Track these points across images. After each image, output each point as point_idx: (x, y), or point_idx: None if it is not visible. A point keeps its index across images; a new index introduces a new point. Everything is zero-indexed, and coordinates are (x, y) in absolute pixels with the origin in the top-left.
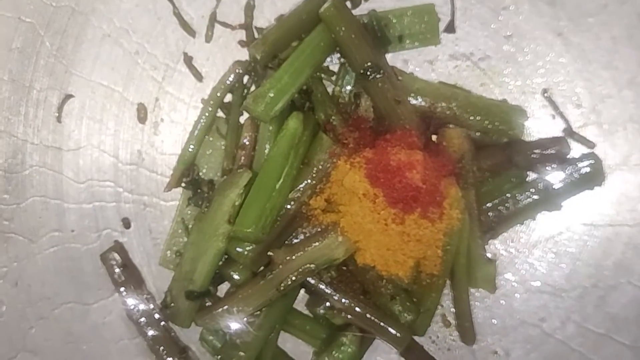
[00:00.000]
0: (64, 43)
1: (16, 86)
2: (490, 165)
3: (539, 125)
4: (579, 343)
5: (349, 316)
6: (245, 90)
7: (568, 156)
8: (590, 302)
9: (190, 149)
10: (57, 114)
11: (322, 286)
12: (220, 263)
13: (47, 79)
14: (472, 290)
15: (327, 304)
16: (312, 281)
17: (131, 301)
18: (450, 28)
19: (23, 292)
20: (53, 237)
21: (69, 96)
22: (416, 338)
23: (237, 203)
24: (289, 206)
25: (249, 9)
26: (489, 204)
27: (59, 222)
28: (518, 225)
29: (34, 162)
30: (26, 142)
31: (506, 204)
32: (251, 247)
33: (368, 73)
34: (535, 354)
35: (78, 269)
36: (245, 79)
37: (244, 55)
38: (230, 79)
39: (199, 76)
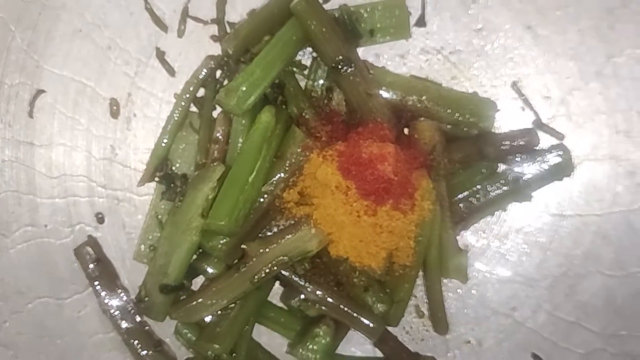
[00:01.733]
0: (35, 38)
1: None
2: (461, 157)
3: (508, 117)
4: (550, 331)
5: (323, 308)
6: (218, 85)
7: (537, 147)
8: (561, 291)
9: (163, 144)
10: (29, 109)
11: (296, 278)
12: (194, 256)
13: (18, 75)
14: (444, 280)
15: (302, 296)
16: (286, 273)
17: (105, 295)
18: (421, 22)
19: None
20: (26, 231)
21: (40, 91)
22: (390, 328)
23: (210, 197)
24: (262, 199)
25: (221, 4)
26: (460, 196)
27: (32, 217)
28: (489, 216)
29: (6, 157)
30: None
31: (477, 195)
32: (225, 240)
33: (340, 67)
34: (507, 343)
35: (52, 264)
36: (218, 73)
37: (216, 49)
38: (203, 73)
39: (171, 71)
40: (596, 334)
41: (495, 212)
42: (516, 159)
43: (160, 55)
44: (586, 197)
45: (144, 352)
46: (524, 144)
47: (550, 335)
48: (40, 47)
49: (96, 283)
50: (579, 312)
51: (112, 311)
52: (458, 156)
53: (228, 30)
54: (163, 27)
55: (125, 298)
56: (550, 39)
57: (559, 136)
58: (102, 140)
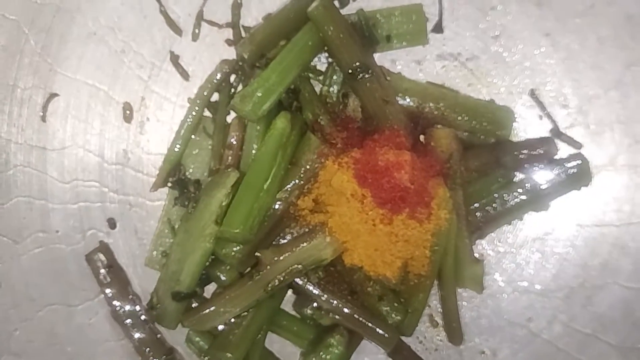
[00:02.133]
0: (48, 41)
1: (0, 85)
2: (478, 165)
3: (526, 126)
4: (565, 343)
5: (337, 317)
6: (232, 90)
7: (555, 157)
8: (577, 302)
9: (176, 149)
10: (42, 113)
11: (310, 287)
12: (207, 264)
13: (31, 78)
14: (459, 290)
15: (315, 304)
16: (300, 282)
17: (117, 302)
18: (438, 28)
19: (7, 294)
20: (37, 237)
21: (53, 95)
22: (404, 338)
23: (224, 203)
24: (276, 206)
25: (236, 7)
26: (476, 204)
27: (44, 223)
28: (505, 225)
29: (18, 162)
30: (10, 142)
31: (493, 204)
32: (238, 247)
33: (356, 73)
34: (522, 354)
35: (63, 270)
36: (232, 78)
37: (231, 54)
38: (217, 78)
39: (185, 75)
40: (613, 347)
41: (512, 222)
42: (534, 167)
43: (175, 59)
44: (604, 207)
45: None
46: (542, 153)
47: (565, 347)
48: (54, 50)
49: (107, 289)
50: (595, 324)
51: (123, 318)
52: (475, 164)
53: (243, 34)
54: (177, 30)
55: (136, 305)
56: (569, 47)
57: (577, 145)
58: (115, 144)
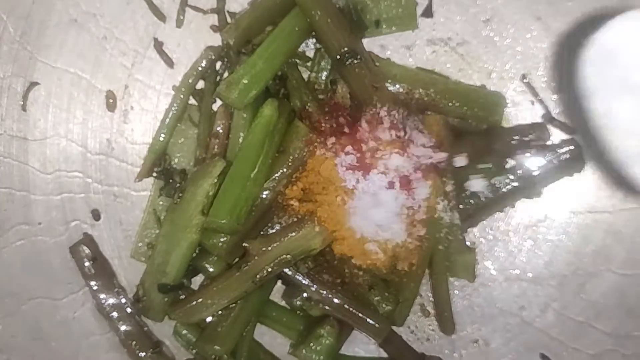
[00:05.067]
0: (28, 28)
1: None
2: (469, 152)
3: (518, 112)
4: (558, 331)
5: (327, 307)
6: (218, 77)
7: (548, 142)
8: (570, 290)
9: (161, 138)
10: (22, 102)
11: (299, 277)
12: (194, 255)
13: (10, 66)
14: (450, 279)
15: (304, 295)
16: (289, 272)
17: (102, 295)
18: (428, 12)
19: None
20: (19, 230)
21: (34, 84)
22: (395, 328)
23: (210, 193)
24: (264, 196)
25: None
26: (467, 192)
27: (26, 215)
28: (497, 212)
29: None
30: None
31: (485, 192)
32: (226, 238)
33: (344, 59)
34: (514, 343)
35: (46, 263)
36: (218, 65)
37: (216, 40)
38: (202, 65)
39: (169, 62)
40: (607, 335)
41: (504, 209)
42: (526, 154)
43: (158, 46)
44: (597, 193)
45: (142, 354)
46: (534, 139)
47: (559, 335)
48: (34, 37)
49: (92, 282)
50: (589, 312)
51: (109, 311)
52: (466, 151)
53: (229, 20)
54: (161, 16)
55: (122, 298)
56: (561, 31)
57: (570, 131)
58: (98, 134)
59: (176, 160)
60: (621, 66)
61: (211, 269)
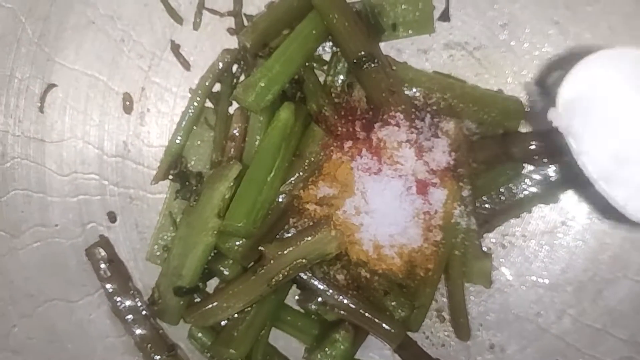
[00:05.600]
0: (46, 30)
1: None
2: (486, 157)
3: (535, 117)
4: (575, 338)
5: (342, 312)
6: (235, 80)
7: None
8: (587, 296)
9: (177, 141)
10: (40, 104)
11: (315, 281)
12: (210, 258)
13: (28, 68)
14: (466, 284)
15: (320, 299)
16: (304, 276)
17: (117, 298)
18: (445, 16)
19: (5, 289)
20: (36, 231)
21: (51, 85)
22: (410, 334)
23: (226, 196)
24: (279, 199)
25: None
26: (484, 197)
27: (42, 216)
28: (513, 218)
29: (16, 154)
30: (7, 133)
31: (502, 197)
32: (241, 241)
33: (362, 62)
34: (530, 349)
35: (62, 265)
36: (235, 68)
37: (233, 43)
38: (219, 67)
39: (186, 65)
40: (624, 342)
41: (521, 215)
42: (543, 159)
43: (175, 48)
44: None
45: (157, 357)
46: (552, 144)
47: (575, 342)
48: (52, 39)
49: (108, 285)
50: (606, 319)
51: (124, 314)
52: (483, 156)
53: (245, 23)
54: (178, 19)
55: (138, 300)
56: (579, 36)
57: None
58: (115, 136)
59: (192, 163)
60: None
61: (226, 273)
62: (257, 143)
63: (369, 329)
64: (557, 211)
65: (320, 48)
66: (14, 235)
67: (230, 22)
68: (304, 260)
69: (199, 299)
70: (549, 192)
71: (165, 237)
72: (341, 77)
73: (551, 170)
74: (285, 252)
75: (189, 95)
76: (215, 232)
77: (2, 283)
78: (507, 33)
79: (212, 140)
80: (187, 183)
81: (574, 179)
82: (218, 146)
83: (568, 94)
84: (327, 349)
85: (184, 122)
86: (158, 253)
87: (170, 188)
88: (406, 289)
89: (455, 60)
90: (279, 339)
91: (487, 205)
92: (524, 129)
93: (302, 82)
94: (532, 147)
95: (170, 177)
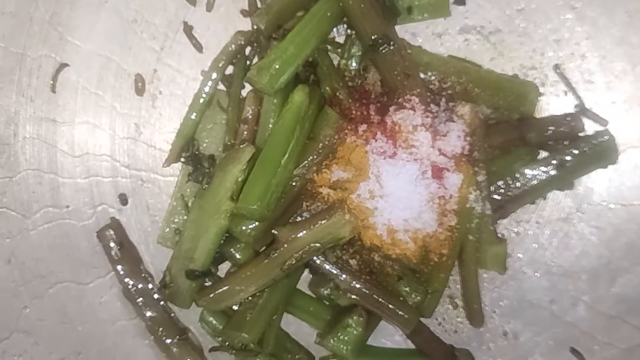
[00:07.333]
0: (59, 9)
1: (8, 53)
2: (502, 142)
3: (550, 102)
4: (589, 325)
5: (355, 297)
6: (248, 62)
7: (580, 134)
8: (601, 283)
9: (190, 123)
10: (52, 83)
11: (328, 266)
12: (222, 241)
13: (41, 46)
14: (480, 270)
15: (332, 284)
16: (317, 261)
17: (128, 280)
18: (460, 0)
19: (16, 270)
20: (47, 212)
21: (63, 65)
22: (423, 320)
23: (239, 179)
24: (293, 183)
25: None
26: (499, 182)
27: (53, 197)
28: (528, 204)
29: (27, 134)
30: (19, 113)
31: (517, 183)
32: (254, 225)
33: (377, 45)
34: (544, 336)
35: (73, 247)
36: (248, 50)
37: (246, 25)
38: (232, 49)
39: (199, 47)
40: (638, 329)
41: (535, 200)
42: (558, 145)
43: (188, 30)
44: (631, 185)
45: (169, 341)
46: (568, 130)
47: (589, 330)
48: (65, 18)
49: (119, 267)
50: (620, 306)
51: (135, 297)
52: (498, 141)
53: (259, 4)
54: (191, 0)
55: (149, 283)
56: (596, 21)
57: (603, 122)
58: (127, 118)
59: (204, 145)
60: None
61: (239, 256)
62: (270, 126)
63: (382, 314)
64: (572, 197)
65: (334, 31)
66: (25, 216)
67: (244, 3)
68: (317, 244)
69: (210, 283)
70: (564, 178)
71: (177, 220)
72: (355, 60)
73: (566, 156)
74: (299, 235)
75: (202, 78)
76: (228, 215)
77: (13, 263)
78: (522, 18)
79: (225, 123)
80: (199, 166)
81: (589, 165)
82: (231, 129)
83: None
84: (340, 334)
85: (196, 105)
86: (169, 236)
87: (182, 171)
88: (419, 274)
89: (470, 45)
90: (290, 324)
91: (501, 191)
92: (539, 114)
93: (316, 64)
94: (548, 132)
95: (182, 159)
